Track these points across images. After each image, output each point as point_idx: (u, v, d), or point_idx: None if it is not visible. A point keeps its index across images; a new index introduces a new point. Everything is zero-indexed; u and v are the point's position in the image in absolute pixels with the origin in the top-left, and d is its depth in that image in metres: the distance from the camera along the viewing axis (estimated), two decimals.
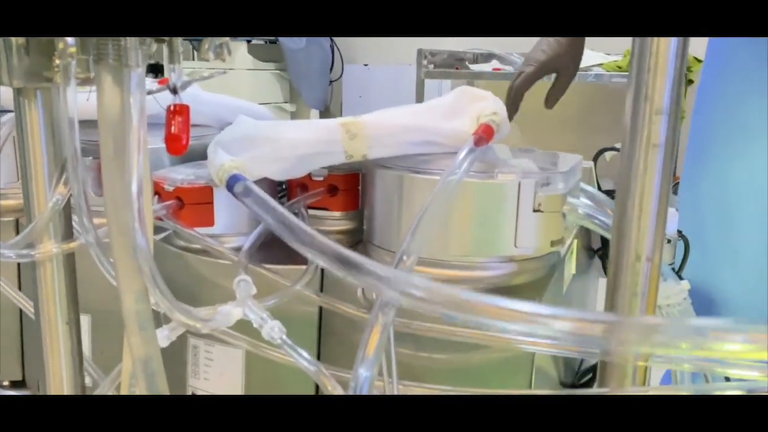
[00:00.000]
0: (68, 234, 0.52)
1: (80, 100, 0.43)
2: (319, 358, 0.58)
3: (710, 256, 1.03)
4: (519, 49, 2.40)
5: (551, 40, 1.06)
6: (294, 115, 2.69)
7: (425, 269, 0.54)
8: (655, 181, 0.44)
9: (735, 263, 1.00)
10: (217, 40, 0.43)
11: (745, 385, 0.44)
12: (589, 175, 0.80)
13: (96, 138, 0.41)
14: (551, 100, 1.10)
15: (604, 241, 0.81)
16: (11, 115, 0.66)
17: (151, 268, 0.41)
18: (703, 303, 1.01)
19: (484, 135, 0.55)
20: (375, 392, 0.54)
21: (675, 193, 2.07)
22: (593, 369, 0.71)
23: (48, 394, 0.54)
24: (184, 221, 0.59)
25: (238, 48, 2.49)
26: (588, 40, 1.11)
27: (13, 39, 0.44)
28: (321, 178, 0.64)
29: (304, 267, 0.56)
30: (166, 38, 0.43)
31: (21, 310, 0.69)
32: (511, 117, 1.09)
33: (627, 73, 0.44)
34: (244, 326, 0.50)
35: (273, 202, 0.46)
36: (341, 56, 2.83)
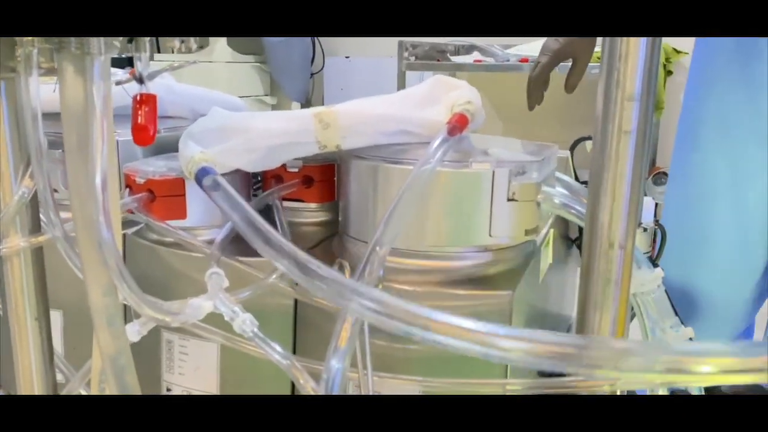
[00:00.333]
0: (36, 228, 0.51)
1: (47, 91, 0.42)
2: (295, 350, 0.58)
3: (689, 247, 1.04)
4: (500, 41, 2.41)
5: None
6: (275, 108, 2.66)
7: (400, 260, 0.54)
8: (627, 168, 0.44)
9: (710, 255, 1.01)
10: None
11: None
12: (565, 165, 0.80)
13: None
14: (570, 85, 1.10)
15: (582, 231, 0.81)
16: None
17: (117, 262, 0.40)
18: (681, 294, 1.02)
19: (458, 124, 0.54)
20: (350, 384, 0.53)
21: (657, 183, 2.08)
22: None
23: (18, 392, 0.53)
24: (156, 214, 0.58)
25: (217, 40, 2.46)
26: None
27: None
28: (296, 170, 0.64)
29: None
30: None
31: None
32: (531, 107, 1.10)
33: None
34: (219, 320, 0.49)
35: (239, 199, 0.45)
36: (322, 49, 2.81)
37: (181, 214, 0.59)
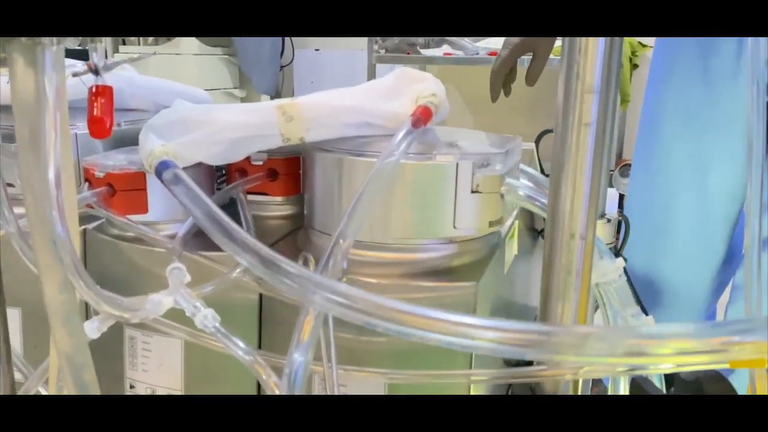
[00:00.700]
0: None
1: (2, 83, 0.41)
2: (261, 345, 0.57)
3: (652, 236, 1.06)
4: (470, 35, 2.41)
5: None
6: (244, 101, 2.64)
7: (365, 252, 0.54)
8: (587, 160, 0.44)
9: (673, 244, 1.03)
10: None
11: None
12: (530, 157, 0.81)
13: None
14: (530, 78, 1.12)
15: None
16: None
17: (72, 259, 0.39)
18: (645, 282, 1.04)
19: (422, 116, 0.54)
20: (315, 377, 0.53)
21: (624, 175, 2.11)
22: None
23: None
24: (116, 209, 0.57)
25: None
26: None
27: None
28: (260, 163, 0.63)
29: None
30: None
31: None
32: (494, 100, 1.12)
33: None
34: (183, 316, 0.48)
35: (200, 192, 0.45)
36: (292, 41, 2.79)
37: (142, 208, 0.58)
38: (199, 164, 0.57)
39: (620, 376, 0.55)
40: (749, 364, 0.39)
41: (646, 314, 0.59)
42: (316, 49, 2.77)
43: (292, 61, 2.79)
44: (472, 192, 0.53)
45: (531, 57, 1.11)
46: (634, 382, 0.54)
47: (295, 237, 0.62)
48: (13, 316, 0.64)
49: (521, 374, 0.49)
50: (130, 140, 0.65)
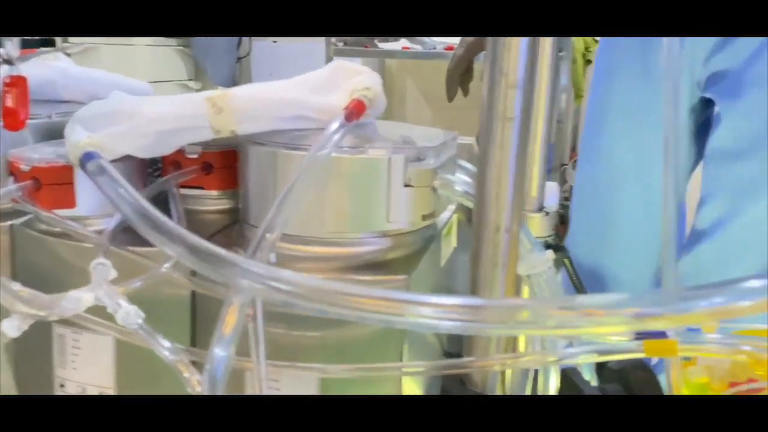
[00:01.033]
0: None
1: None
2: (195, 343, 0.57)
3: (597, 230, 1.08)
4: None
5: None
6: None
7: (297, 246, 0.54)
8: (510, 154, 0.45)
9: (617, 238, 1.05)
10: None
11: (595, 348, 0.46)
12: (469, 151, 0.81)
13: None
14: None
15: None
16: None
17: None
18: (590, 275, 1.06)
19: (355, 110, 0.54)
20: (247, 374, 0.53)
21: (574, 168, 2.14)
22: None
23: None
24: (43, 203, 0.55)
25: None
26: None
27: None
28: (195, 156, 0.62)
29: None
30: None
31: None
32: (450, 99, 1.11)
33: None
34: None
35: (125, 184, 0.44)
36: None
37: (70, 202, 0.56)
38: (129, 157, 0.56)
39: (550, 366, 0.56)
40: (662, 353, 0.40)
41: None
42: (274, 41, 2.74)
43: (249, 52, 2.75)
44: (405, 186, 0.53)
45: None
46: (564, 374, 0.54)
47: (230, 232, 0.61)
48: None
49: (451, 365, 0.50)
50: (61, 133, 0.63)
